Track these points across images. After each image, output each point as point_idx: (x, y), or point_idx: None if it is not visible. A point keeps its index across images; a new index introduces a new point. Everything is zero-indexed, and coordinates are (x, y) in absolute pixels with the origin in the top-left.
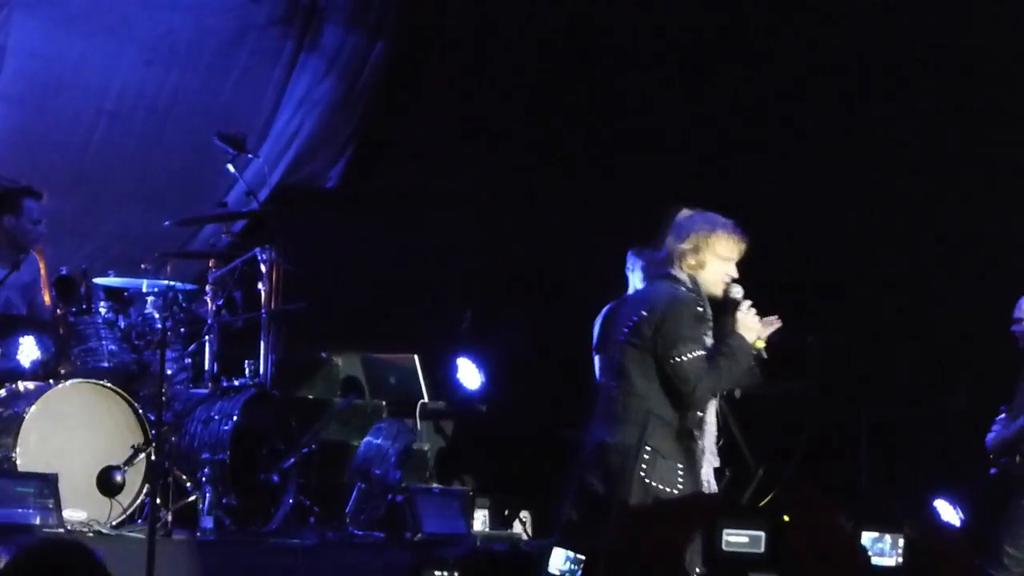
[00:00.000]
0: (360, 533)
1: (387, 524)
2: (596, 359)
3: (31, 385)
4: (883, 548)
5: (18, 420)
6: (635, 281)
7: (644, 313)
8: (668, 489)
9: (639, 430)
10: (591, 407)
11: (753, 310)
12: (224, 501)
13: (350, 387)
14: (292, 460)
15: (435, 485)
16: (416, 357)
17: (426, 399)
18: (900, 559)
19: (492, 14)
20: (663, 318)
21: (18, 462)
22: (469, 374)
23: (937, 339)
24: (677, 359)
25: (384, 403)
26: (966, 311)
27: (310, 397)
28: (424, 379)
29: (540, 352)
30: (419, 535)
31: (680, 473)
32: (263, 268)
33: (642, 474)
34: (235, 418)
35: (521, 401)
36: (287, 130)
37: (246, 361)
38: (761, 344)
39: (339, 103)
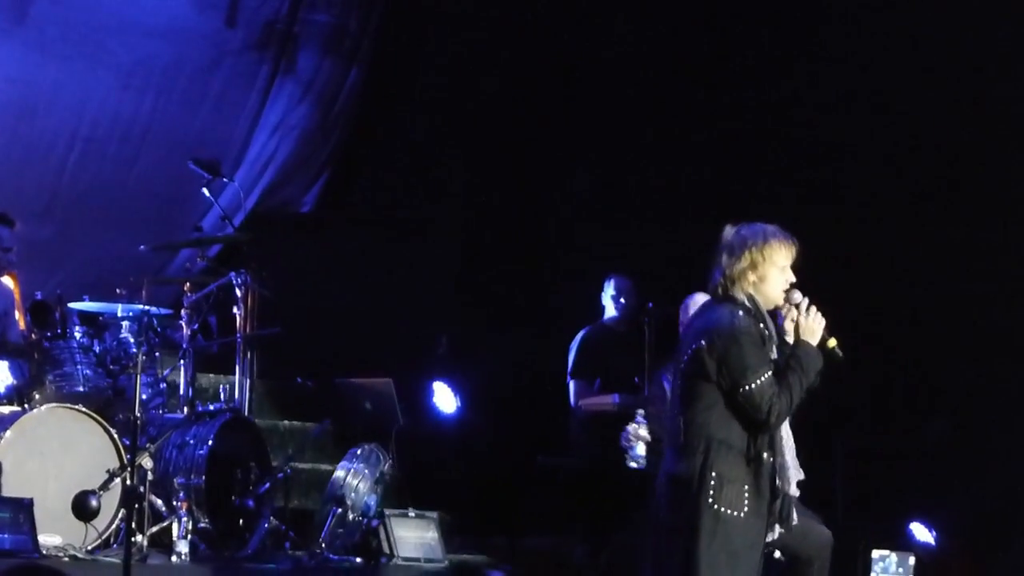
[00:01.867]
0: (336, 558)
1: (363, 549)
2: (571, 384)
3: (5, 410)
4: (889, 566)
5: None
6: (609, 307)
7: (703, 343)
8: (735, 512)
9: (703, 457)
10: (565, 432)
11: (815, 311)
12: (199, 526)
13: (325, 412)
14: (267, 485)
15: (411, 510)
16: (391, 381)
17: (401, 423)
18: None
19: (467, 39)
20: (726, 349)
21: None
22: (445, 398)
23: (915, 365)
24: (746, 388)
25: (359, 428)
26: (946, 337)
27: (285, 422)
28: (399, 404)
29: (516, 377)
30: (395, 559)
31: (746, 496)
32: (238, 293)
33: (710, 500)
34: (210, 443)
35: (496, 426)
36: (262, 155)
37: (221, 386)
38: (833, 343)
39: (314, 128)
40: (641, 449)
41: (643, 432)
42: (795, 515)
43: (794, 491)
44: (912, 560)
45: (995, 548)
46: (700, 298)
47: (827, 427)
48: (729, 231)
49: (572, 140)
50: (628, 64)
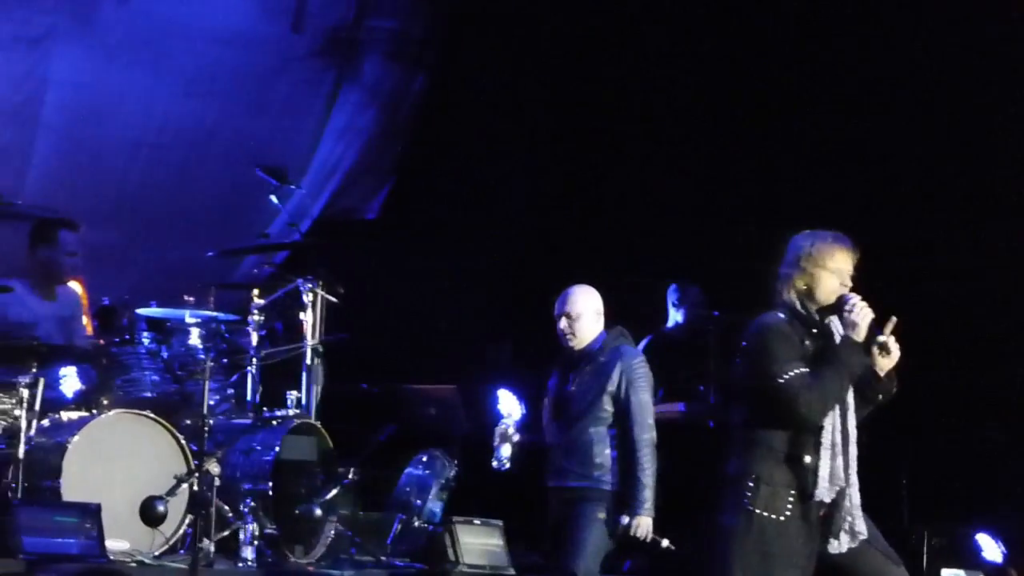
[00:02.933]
0: (401, 564)
1: (428, 555)
2: None
3: (74, 415)
4: None
5: (61, 450)
6: (675, 314)
7: (743, 345)
8: (774, 516)
9: (743, 459)
10: None
11: (863, 306)
12: (265, 531)
13: (391, 418)
14: (333, 491)
15: (476, 517)
16: (456, 388)
17: (466, 430)
18: None
19: (529, 45)
20: (754, 347)
21: (61, 491)
22: (510, 405)
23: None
24: (776, 382)
25: (424, 434)
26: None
27: (351, 428)
28: (464, 410)
29: None
30: (460, 566)
31: (790, 499)
32: (305, 299)
33: (746, 502)
34: (276, 449)
35: None
36: (328, 161)
37: (288, 392)
38: (882, 339)
39: (380, 134)
40: (506, 450)
41: (510, 432)
42: (861, 528)
43: (834, 500)
44: None
45: None
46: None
47: (893, 435)
48: (796, 239)
49: (632, 146)
50: (687, 67)
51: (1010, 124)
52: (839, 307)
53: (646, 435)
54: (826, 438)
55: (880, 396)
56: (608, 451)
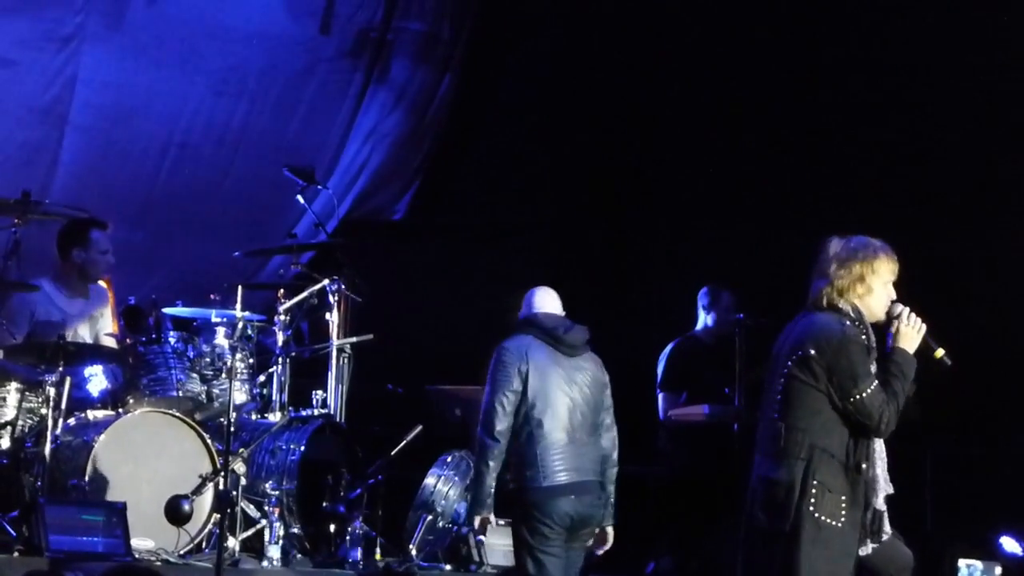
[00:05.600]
0: (426, 564)
1: (453, 556)
2: (660, 396)
3: (100, 414)
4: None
5: (88, 449)
6: (704, 318)
7: (812, 351)
8: (833, 522)
9: (805, 464)
10: (653, 442)
11: (914, 318)
12: (291, 531)
13: (416, 419)
14: (358, 491)
15: (500, 518)
16: (482, 389)
17: None
18: None
19: (557, 46)
20: (835, 357)
21: (87, 490)
22: None
23: (1002, 374)
24: (858, 396)
25: (450, 435)
26: None
27: (376, 428)
28: None
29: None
30: (484, 567)
31: (844, 506)
32: (331, 299)
33: (811, 508)
34: (302, 449)
35: None
36: (355, 162)
37: (313, 392)
38: (941, 352)
39: (407, 135)
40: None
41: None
42: (887, 528)
43: (882, 505)
44: (998, 570)
45: None
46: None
47: (918, 436)
48: (836, 243)
49: (660, 148)
50: (716, 71)
51: None
52: (890, 318)
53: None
54: (876, 446)
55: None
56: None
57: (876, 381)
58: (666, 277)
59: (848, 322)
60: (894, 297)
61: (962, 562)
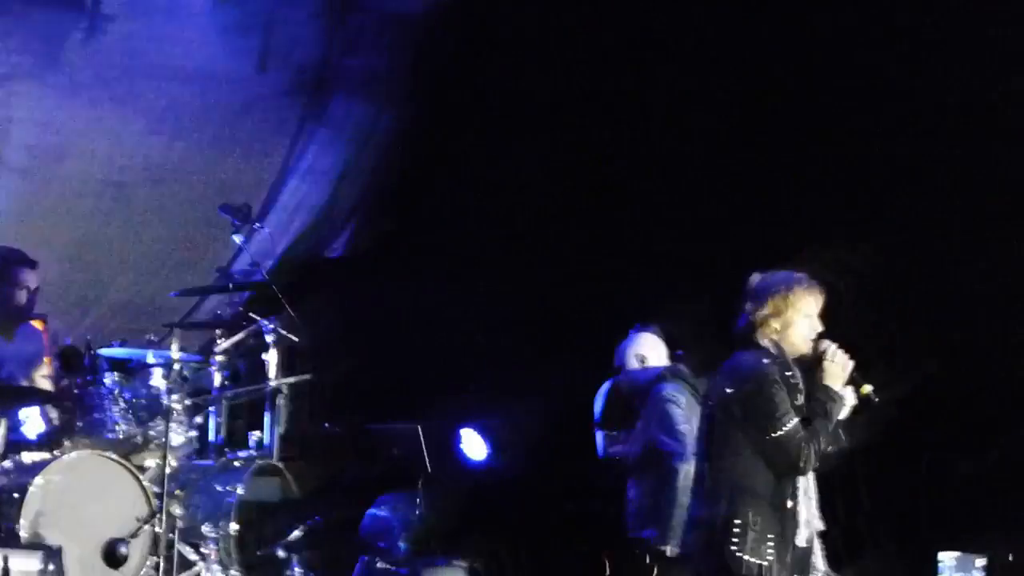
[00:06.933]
0: None
1: None
2: (598, 435)
3: (36, 456)
4: (956, 568)
5: (22, 492)
6: (630, 360)
7: (729, 390)
8: (759, 561)
9: (728, 504)
10: (594, 480)
11: (840, 355)
12: (229, 573)
13: (354, 458)
14: (297, 532)
15: (440, 557)
16: (419, 428)
17: (429, 470)
18: None
19: (501, 81)
20: (751, 396)
21: (22, 534)
22: (474, 445)
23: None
24: (775, 434)
25: (388, 474)
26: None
27: (314, 469)
28: (427, 450)
29: (545, 423)
30: None
31: (771, 545)
32: (268, 339)
33: (733, 548)
34: (240, 490)
35: (526, 472)
36: (293, 200)
37: (251, 433)
38: (867, 389)
39: (346, 172)
40: None
41: None
42: (821, 566)
43: (807, 543)
44: (980, 562)
45: None
46: (645, 337)
47: (912, 449)
48: (755, 278)
49: (609, 182)
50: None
51: None
52: (817, 355)
53: None
54: (802, 483)
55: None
56: None
57: (796, 419)
58: (612, 315)
59: (767, 359)
60: (820, 330)
61: (942, 555)
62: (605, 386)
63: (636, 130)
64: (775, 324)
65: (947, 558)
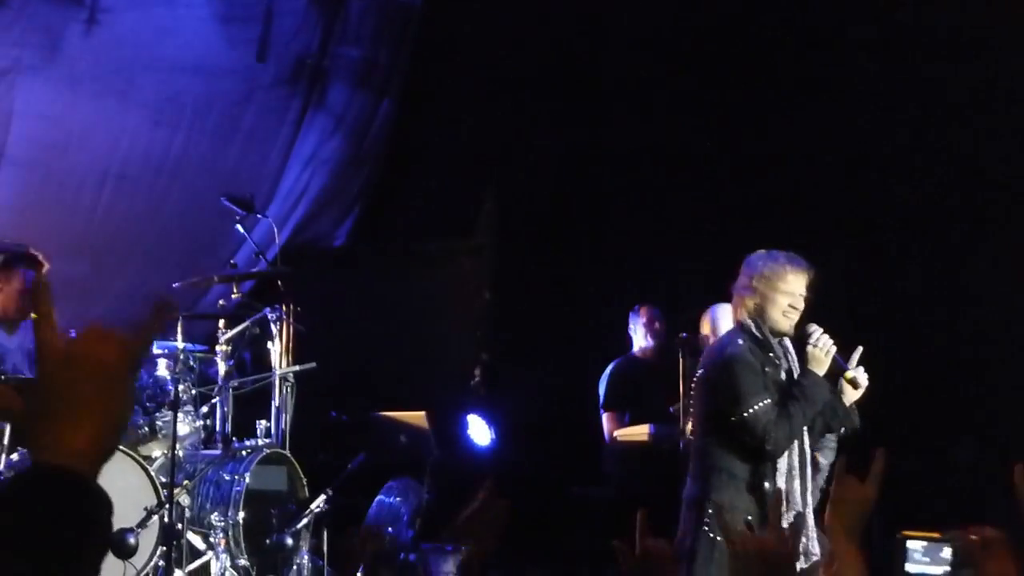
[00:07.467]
0: None
1: None
2: (604, 417)
3: None
4: (924, 554)
5: None
6: (638, 339)
7: (701, 371)
8: None
9: (703, 483)
10: (598, 463)
11: (824, 339)
12: (237, 562)
13: (361, 446)
14: (304, 520)
15: (448, 543)
16: (425, 415)
17: (436, 457)
18: (947, 567)
19: (497, 67)
20: (719, 376)
21: None
22: (479, 431)
23: (943, 388)
24: (742, 415)
25: (395, 462)
26: (974, 359)
27: (321, 457)
28: (434, 437)
29: (550, 409)
30: None
31: (750, 524)
32: (273, 328)
33: (706, 528)
34: (247, 479)
35: (531, 457)
36: (295, 189)
37: (257, 422)
38: (851, 375)
39: (346, 161)
40: None
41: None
42: (815, 550)
43: (794, 524)
44: (948, 550)
45: None
46: (721, 310)
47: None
48: (747, 259)
49: (605, 168)
50: (665, 89)
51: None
52: (801, 339)
53: None
54: (782, 463)
55: (843, 428)
56: None
57: (766, 400)
58: (610, 295)
59: (741, 340)
60: (799, 307)
61: (911, 542)
62: (608, 368)
63: (634, 125)
64: (750, 301)
65: (916, 545)
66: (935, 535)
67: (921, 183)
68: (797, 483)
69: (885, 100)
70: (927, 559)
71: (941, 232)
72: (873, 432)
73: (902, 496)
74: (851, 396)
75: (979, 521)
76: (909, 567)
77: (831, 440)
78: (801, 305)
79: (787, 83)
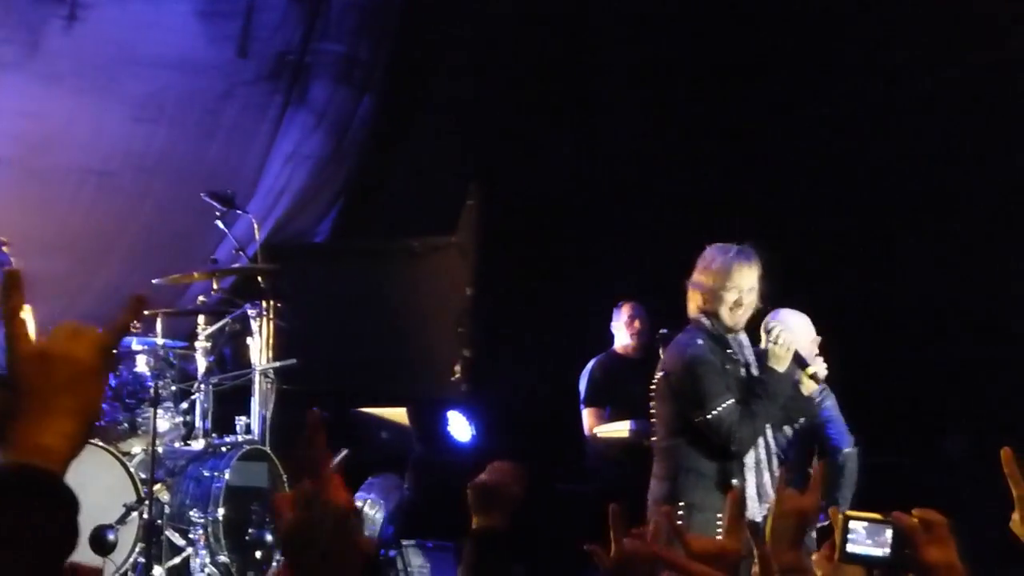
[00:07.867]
0: None
1: None
2: (585, 413)
3: None
4: (866, 536)
5: None
6: (620, 335)
7: (662, 372)
8: None
9: (670, 484)
10: (581, 459)
11: (785, 335)
12: (217, 559)
13: (341, 442)
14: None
15: (428, 540)
16: (406, 411)
17: (417, 453)
18: (888, 549)
19: (478, 64)
20: (681, 377)
21: None
22: (460, 427)
23: (933, 383)
24: (707, 416)
25: (376, 457)
26: (963, 354)
27: (301, 453)
28: (415, 433)
29: (532, 405)
30: None
31: (718, 525)
32: (253, 324)
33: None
34: (227, 475)
35: (512, 454)
36: (276, 185)
37: (237, 418)
38: (811, 371)
39: (327, 157)
40: None
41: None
42: None
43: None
44: (889, 532)
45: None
46: (784, 313)
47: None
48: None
49: (587, 164)
50: (645, 83)
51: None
52: (764, 336)
53: None
54: (749, 459)
55: (803, 418)
56: None
57: (730, 400)
58: (593, 291)
59: (699, 339)
60: (752, 301)
61: (853, 523)
62: (589, 365)
63: (616, 120)
64: (700, 296)
65: (857, 526)
66: (877, 516)
67: (914, 178)
68: (767, 476)
69: (872, 98)
70: (869, 540)
71: (933, 229)
72: (869, 430)
73: (893, 491)
74: (809, 388)
75: (965, 517)
76: (850, 547)
77: (787, 431)
78: (750, 300)
79: (776, 80)
